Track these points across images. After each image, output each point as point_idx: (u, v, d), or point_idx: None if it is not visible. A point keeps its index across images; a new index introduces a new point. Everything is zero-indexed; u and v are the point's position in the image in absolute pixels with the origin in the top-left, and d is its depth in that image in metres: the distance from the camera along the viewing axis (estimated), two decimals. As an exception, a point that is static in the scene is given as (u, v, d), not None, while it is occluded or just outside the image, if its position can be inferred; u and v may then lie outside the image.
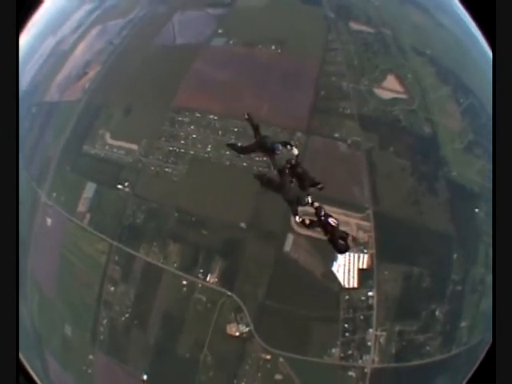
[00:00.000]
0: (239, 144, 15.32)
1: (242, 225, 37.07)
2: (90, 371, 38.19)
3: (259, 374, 35.29)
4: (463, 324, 37.81)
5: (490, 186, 38.50)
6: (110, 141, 41.70)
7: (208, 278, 36.61)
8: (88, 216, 40.31)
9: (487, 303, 36.81)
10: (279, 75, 42.04)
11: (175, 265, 37.26)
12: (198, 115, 40.77)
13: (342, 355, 35.32)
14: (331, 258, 35.74)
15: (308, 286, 35.96)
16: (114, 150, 41.34)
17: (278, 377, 35.20)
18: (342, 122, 40.13)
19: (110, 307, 38.16)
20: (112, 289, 38.29)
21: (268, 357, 35.30)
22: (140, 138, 40.88)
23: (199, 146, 39.91)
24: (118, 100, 43.69)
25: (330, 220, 12.70)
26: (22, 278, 40.01)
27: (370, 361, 35.58)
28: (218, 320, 35.84)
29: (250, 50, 44.09)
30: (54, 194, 41.95)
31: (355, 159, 39.00)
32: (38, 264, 41.29)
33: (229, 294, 35.99)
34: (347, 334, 35.50)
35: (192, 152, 39.82)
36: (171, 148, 40.12)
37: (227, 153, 39.16)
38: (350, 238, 13.00)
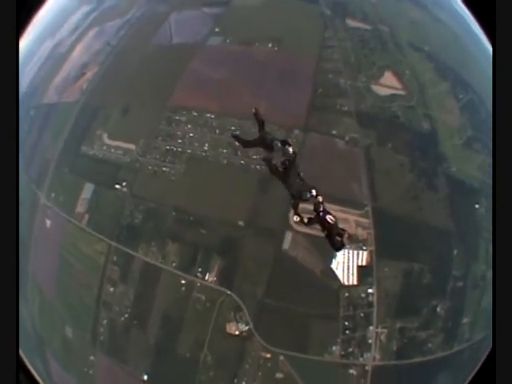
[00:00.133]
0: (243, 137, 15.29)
1: (241, 223, 37.00)
2: (91, 372, 38.12)
3: (260, 373, 35.18)
4: (465, 320, 37.64)
5: (489, 181, 38.31)
6: (107, 141, 41.67)
7: (207, 277, 36.55)
8: (86, 217, 40.26)
9: (489, 299, 36.56)
10: (276, 73, 41.99)
11: (174, 264, 37.19)
12: (195, 114, 40.74)
13: (342, 353, 35.18)
14: (330, 255, 35.55)
15: (307, 284, 35.85)
16: (112, 151, 41.28)
17: (279, 375, 35.08)
18: (339, 118, 40.05)
19: (110, 308, 38.11)
20: (111, 289, 38.23)
21: (268, 355, 35.19)
22: (137, 137, 40.83)
23: (196, 144, 39.83)
24: (115, 100, 43.66)
25: (328, 217, 12.70)
26: (22, 280, 39.94)
27: (371, 358, 35.40)
28: (217, 319, 35.76)
29: (247, 49, 44.09)
30: (53, 195, 41.88)
31: (353, 156, 38.89)
32: (38, 266, 41.25)
33: (228, 292, 35.84)
34: (347, 332, 35.38)
35: (189, 151, 39.76)
36: (168, 147, 40.06)
37: (224, 151, 39.15)
38: (346, 234, 13.02)
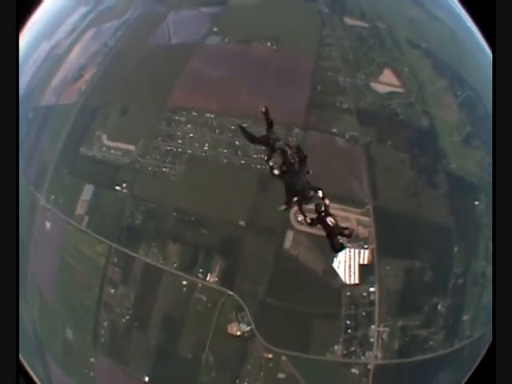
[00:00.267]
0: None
1: (241, 223, 36.91)
2: (92, 374, 38.03)
3: (262, 374, 35.11)
4: (465, 317, 37.73)
5: (489, 178, 38.29)
6: (106, 142, 41.52)
7: (208, 278, 36.45)
8: (86, 218, 40.14)
9: (489, 296, 36.58)
10: (275, 71, 41.93)
11: (175, 265, 37.09)
12: (195, 114, 40.66)
13: (344, 352, 35.13)
14: (332, 254, 35.42)
15: (309, 283, 35.77)
16: (111, 152, 41.17)
17: (281, 375, 34.96)
18: (339, 116, 40.05)
19: (111, 309, 37.99)
20: (112, 291, 38.11)
21: (270, 356, 35.10)
22: (137, 138, 40.71)
23: (196, 144, 39.76)
24: (114, 101, 43.55)
25: (328, 219, 12.73)
26: (22, 283, 39.81)
27: (373, 357, 35.31)
28: (218, 320, 35.67)
29: (246, 47, 44.06)
30: (53, 197, 41.72)
31: (353, 154, 38.87)
32: (38, 268, 41.15)
33: (229, 293, 35.73)
34: (349, 331, 35.34)
35: (189, 151, 39.68)
36: (168, 148, 39.96)
37: (225, 151, 39.07)
38: (347, 232, 13.04)
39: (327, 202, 12.88)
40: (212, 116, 40.25)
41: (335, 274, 35.59)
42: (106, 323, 37.94)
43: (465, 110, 44.43)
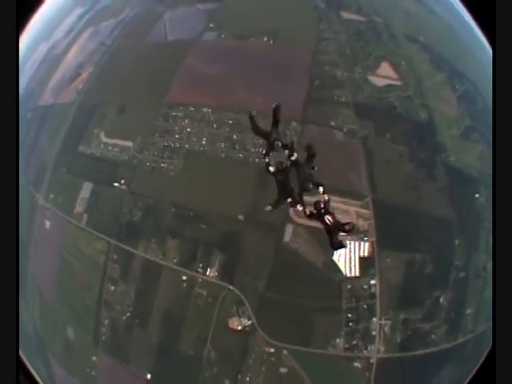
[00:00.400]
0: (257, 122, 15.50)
1: (240, 217, 36.85)
2: (93, 373, 37.97)
3: (263, 368, 34.97)
4: (468, 311, 37.52)
5: (489, 171, 38.16)
6: (104, 139, 41.58)
7: (208, 272, 36.39)
8: (85, 216, 40.16)
9: (491, 290, 36.37)
10: (272, 66, 41.87)
11: (174, 260, 37.06)
12: (192, 109, 40.66)
13: (346, 346, 35.00)
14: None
15: (309, 277, 35.68)
16: (109, 148, 41.25)
17: (283, 370, 34.83)
18: (337, 110, 40.01)
19: (111, 307, 37.97)
20: (112, 288, 38.09)
21: (272, 350, 34.98)
22: (134, 134, 40.79)
23: (194, 139, 39.78)
24: (111, 99, 43.57)
25: (326, 217, 12.83)
26: (23, 284, 39.81)
27: (376, 351, 35.14)
28: (219, 314, 35.61)
29: (242, 43, 44.06)
30: (52, 196, 41.75)
31: (352, 147, 38.82)
32: (38, 268, 41.15)
33: (230, 287, 35.64)
34: (351, 324, 35.20)
35: (187, 146, 39.70)
36: (166, 143, 40.00)
37: (222, 145, 39.06)
38: (347, 227, 13.15)
39: (327, 197, 12.96)
40: (209, 111, 40.25)
41: (336, 267, 35.42)
42: (106, 321, 37.94)
43: (463, 103, 44.32)
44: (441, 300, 36.46)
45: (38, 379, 35.15)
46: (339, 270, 35.43)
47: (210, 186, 37.96)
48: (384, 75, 41.99)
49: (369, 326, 35.30)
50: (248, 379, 35.00)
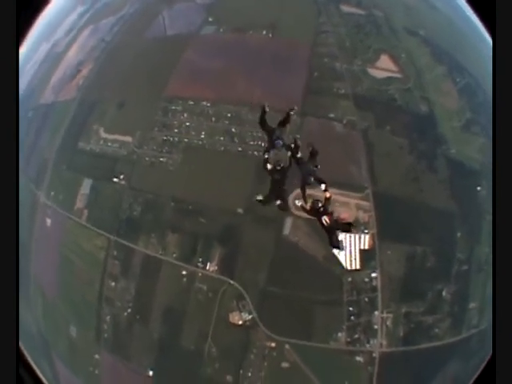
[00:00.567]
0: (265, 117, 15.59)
1: (240, 210, 36.73)
2: (97, 372, 37.98)
3: (265, 363, 34.78)
4: (472, 305, 37.29)
5: (490, 164, 37.89)
6: (104, 135, 41.61)
7: (208, 267, 36.29)
8: (86, 212, 40.20)
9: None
10: (271, 59, 41.77)
11: (174, 255, 37.02)
12: (191, 103, 40.62)
13: (348, 340, 34.79)
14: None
15: (310, 270, 35.51)
16: (109, 144, 41.28)
17: (285, 365, 34.61)
18: (336, 102, 39.86)
19: (112, 303, 37.97)
20: (112, 284, 38.05)
21: (273, 344, 34.81)
22: (134, 129, 40.78)
23: (193, 133, 39.74)
24: (111, 95, 43.61)
25: (323, 218, 12.88)
26: (25, 284, 39.94)
27: (378, 345, 34.92)
28: (220, 309, 35.47)
29: (241, 36, 44.07)
30: (52, 194, 41.83)
31: (351, 139, 38.70)
32: (40, 267, 41.28)
33: (230, 281, 35.53)
34: (352, 318, 34.99)
35: (186, 140, 39.64)
36: (165, 137, 39.94)
37: (221, 139, 39.00)
38: (347, 227, 13.17)
39: (328, 195, 12.96)
40: (208, 104, 40.15)
41: (336, 260, 35.20)
42: (108, 318, 37.90)
43: (464, 96, 44.14)
44: (443, 293, 36.24)
45: (44, 380, 35.36)
46: (340, 263, 35.08)
47: (209, 179, 37.89)
48: (384, 68, 41.84)
49: (371, 319, 35.09)
50: (250, 374, 34.79)
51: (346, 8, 45.72)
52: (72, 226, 40.53)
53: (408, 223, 36.88)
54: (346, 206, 35.52)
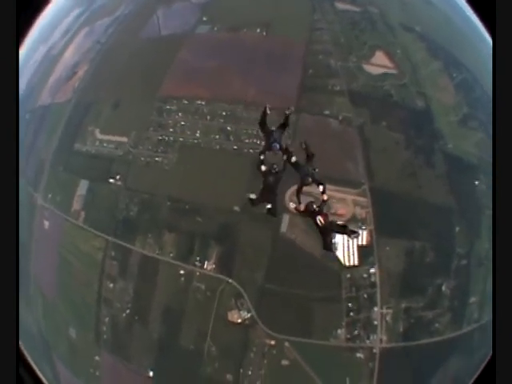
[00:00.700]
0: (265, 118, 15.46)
1: (236, 208, 36.62)
2: (97, 373, 37.88)
3: (265, 361, 34.65)
4: (472, 300, 37.11)
5: (488, 158, 37.78)
6: (99, 136, 41.63)
7: (205, 266, 36.22)
8: (83, 214, 40.16)
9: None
10: (266, 57, 41.75)
11: (171, 255, 36.97)
12: (186, 102, 40.59)
13: (348, 336, 34.69)
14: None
15: (308, 267, 35.41)
16: (104, 145, 41.30)
17: (285, 362, 34.50)
18: (331, 98, 39.82)
19: (111, 304, 37.93)
20: (111, 285, 38.01)
21: (273, 342, 34.70)
22: (129, 130, 40.80)
23: (188, 132, 39.75)
24: (106, 96, 43.63)
25: (318, 218, 12.85)
26: (25, 285, 39.93)
27: (378, 341, 34.78)
28: (218, 308, 35.38)
29: (235, 35, 44.08)
30: (50, 195, 41.86)
31: (347, 135, 38.63)
32: (39, 269, 41.26)
33: (228, 280, 35.45)
34: (352, 314, 34.89)
35: (181, 139, 39.64)
36: (160, 137, 39.95)
37: (217, 137, 38.96)
38: (342, 229, 13.12)
39: (325, 197, 12.94)
40: (203, 103, 40.19)
41: (334, 257, 35.06)
42: (107, 319, 37.82)
43: (461, 91, 44.09)
44: (443, 288, 36.07)
45: (44, 380, 35.29)
46: (338, 260, 34.96)
47: (205, 178, 37.88)
48: (379, 64, 41.78)
49: (370, 315, 34.95)
50: (250, 373, 34.68)
51: (340, 5, 45.71)
52: (69, 227, 40.48)
53: (406, 218, 36.78)
54: (343, 202, 35.41)
